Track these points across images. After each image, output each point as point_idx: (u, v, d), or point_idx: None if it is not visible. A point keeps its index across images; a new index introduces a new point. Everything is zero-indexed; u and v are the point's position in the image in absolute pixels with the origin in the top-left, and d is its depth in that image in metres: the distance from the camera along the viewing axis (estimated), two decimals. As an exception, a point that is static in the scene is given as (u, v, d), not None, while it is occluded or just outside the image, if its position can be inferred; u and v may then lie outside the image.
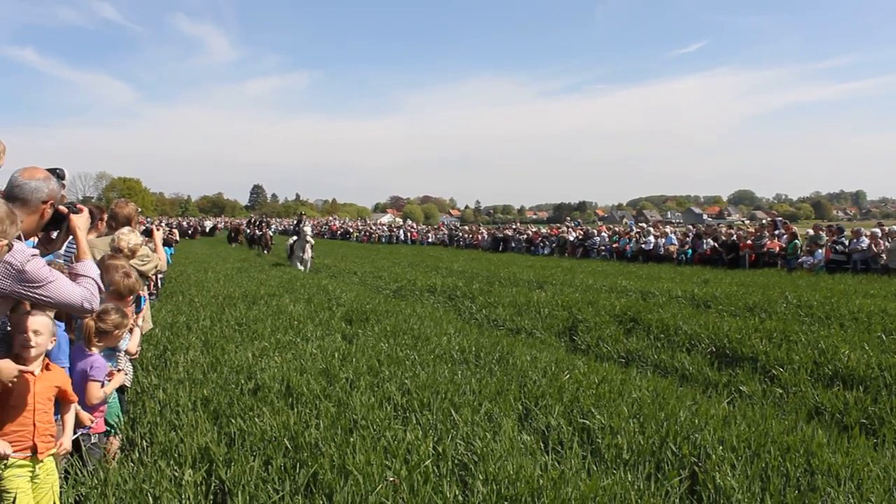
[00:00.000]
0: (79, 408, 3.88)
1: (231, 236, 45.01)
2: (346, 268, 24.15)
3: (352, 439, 4.36)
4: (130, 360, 5.08)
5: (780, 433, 4.78)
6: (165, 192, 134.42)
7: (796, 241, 21.86)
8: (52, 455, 3.39)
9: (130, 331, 4.82)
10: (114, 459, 4.27)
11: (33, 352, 3.23)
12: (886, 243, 19.38)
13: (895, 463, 4.40)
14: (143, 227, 7.40)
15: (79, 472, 3.88)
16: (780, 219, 27.58)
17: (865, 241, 19.89)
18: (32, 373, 3.23)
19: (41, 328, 3.24)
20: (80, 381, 4.00)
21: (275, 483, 3.82)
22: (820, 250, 20.63)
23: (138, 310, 5.13)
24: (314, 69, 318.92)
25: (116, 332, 4.23)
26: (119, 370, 4.50)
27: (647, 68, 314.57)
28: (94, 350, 4.15)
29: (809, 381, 6.84)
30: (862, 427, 5.56)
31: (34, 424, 3.26)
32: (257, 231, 36.81)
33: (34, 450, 3.26)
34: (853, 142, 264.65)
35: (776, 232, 23.59)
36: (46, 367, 3.38)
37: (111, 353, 4.51)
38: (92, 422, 4.05)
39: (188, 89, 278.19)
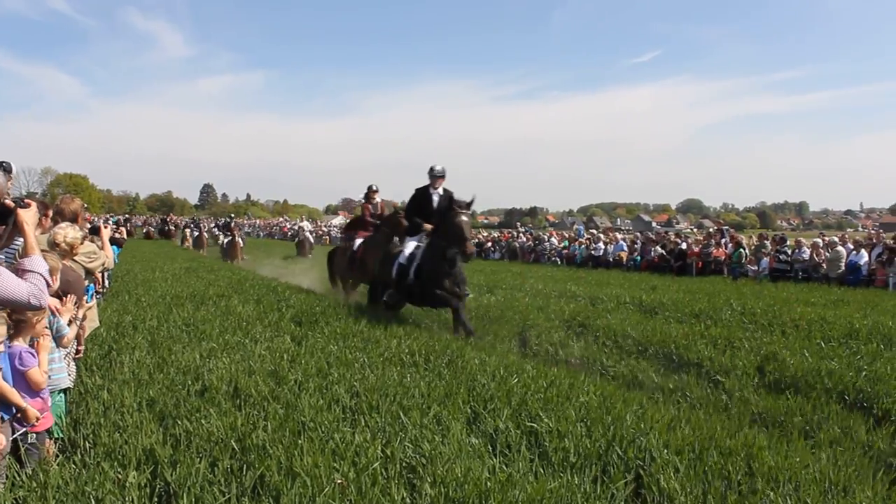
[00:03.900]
0: (25, 404, 3.78)
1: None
2: (297, 269, 23.95)
3: (300, 441, 4.33)
4: (74, 359, 4.97)
5: (723, 437, 4.88)
6: (113, 189, 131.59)
7: (741, 249, 22.36)
8: None
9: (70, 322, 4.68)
10: (54, 461, 4.15)
11: None
12: (827, 253, 19.96)
13: (832, 465, 4.53)
14: (90, 225, 7.23)
15: (16, 475, 3.79)
16: (726, 227, 28.16)
17: (807, 251, 20.52)
18: None
19: None
20: (16, 377, 3.88)
21: (221, 485, 3.76)
22: (764, 259, 21.16)
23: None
24: (269, 69, 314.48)
25: (36, 319, 3.96)
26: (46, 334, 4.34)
27: (602, 76, 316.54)
28: (17, 343, 3.91)
29: (752, 386, 7.00)
30: (801, 431, 5.71)
31: None
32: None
33: None
34: (798, 154, 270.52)
35: (722, 240, 24.09)
36: None
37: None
38: (37, 419, 3.92)
39: (139, 86, 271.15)
